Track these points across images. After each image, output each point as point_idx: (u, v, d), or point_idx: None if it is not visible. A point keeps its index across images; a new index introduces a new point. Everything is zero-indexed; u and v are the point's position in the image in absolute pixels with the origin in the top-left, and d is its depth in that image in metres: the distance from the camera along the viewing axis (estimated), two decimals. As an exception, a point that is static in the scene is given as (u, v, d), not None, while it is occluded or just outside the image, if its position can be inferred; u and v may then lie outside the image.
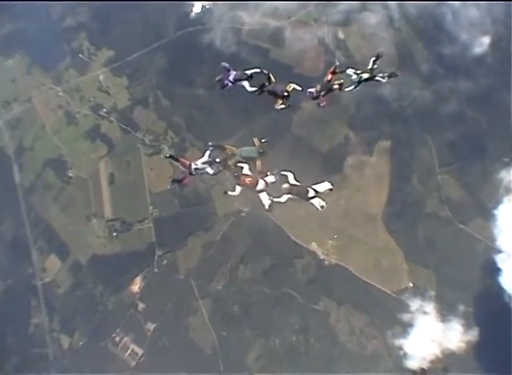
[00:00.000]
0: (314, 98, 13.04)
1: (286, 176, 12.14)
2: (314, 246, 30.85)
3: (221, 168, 12.75)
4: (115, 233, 32.33)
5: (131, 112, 33.64)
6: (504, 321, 26.64)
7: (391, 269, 30.26)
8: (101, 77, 34.12)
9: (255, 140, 12.93)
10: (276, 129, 30.93)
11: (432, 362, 28.43)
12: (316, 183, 12.12)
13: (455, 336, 28.69)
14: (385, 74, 12.93)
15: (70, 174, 33.33)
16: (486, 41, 31.10)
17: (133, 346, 30.87)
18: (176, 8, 34.17)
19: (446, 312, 29.09)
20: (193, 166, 12.64)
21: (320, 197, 12.01)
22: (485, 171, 30.50)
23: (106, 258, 32.20)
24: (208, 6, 33.76)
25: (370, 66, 12.83)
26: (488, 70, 30.92)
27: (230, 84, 12.98)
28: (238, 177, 12.17)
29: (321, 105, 13.13)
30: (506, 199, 29.59)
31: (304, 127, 31.85)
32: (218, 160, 12.66)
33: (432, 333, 28.93)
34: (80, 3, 34.86)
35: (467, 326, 28.54)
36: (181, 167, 13.19)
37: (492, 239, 29.41)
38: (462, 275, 29.12)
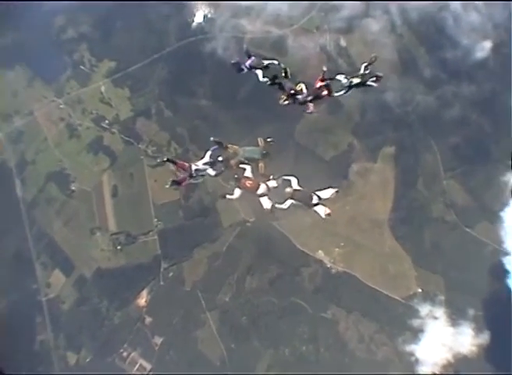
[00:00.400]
0: (301, 104, 12.63)
1: (289, 180, 11.66)
2: (320, 254, 30.77)
3: (223, 168, 12.28)
4: (119, 247, 31.92)
5: (133, 123, 33.33)
6: (515, 323, 26.62)
7: (399, 274, 30.27)
8: (103, 89, 33.83)
9: (259, 140, 12.55)
10: (280, 138, 30.79)
11: (443, 367, 28.35)
12: (320, 190, 11.59)
13: (466, 340, 28.73)
14: (372, 78, 12.55)
15: (73, 187, 32.94)
16: (488, 45, 31.44)
17: (141, 361, 30.50)
18: (178, 17, 34.02)
19: (456, 316, 29.14)
20: (194, 167, 12.12)
21: (325, 204, 11.43)
22: (490, 174, 30.72)
23: (111, 272, 31.77)
24: (209, 15, 33.68)
25: (361, 72, 12.47)
26: (491, 74, 31.26)
27: (246, 70, 12.75)
28: (239, 180, 11.70)
29: (308, 111, 12.74)
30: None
31: (307, 136, 31.80)
32: (220, 159, 12.14)
33: (442, 338, 28.93)
34: (80, 13, 34.58)
35: (477, 330, 28.61)
36: (180, 170, 12.54)
37: (499, 242, 29.61)
38: (470, 279, 29.21)
